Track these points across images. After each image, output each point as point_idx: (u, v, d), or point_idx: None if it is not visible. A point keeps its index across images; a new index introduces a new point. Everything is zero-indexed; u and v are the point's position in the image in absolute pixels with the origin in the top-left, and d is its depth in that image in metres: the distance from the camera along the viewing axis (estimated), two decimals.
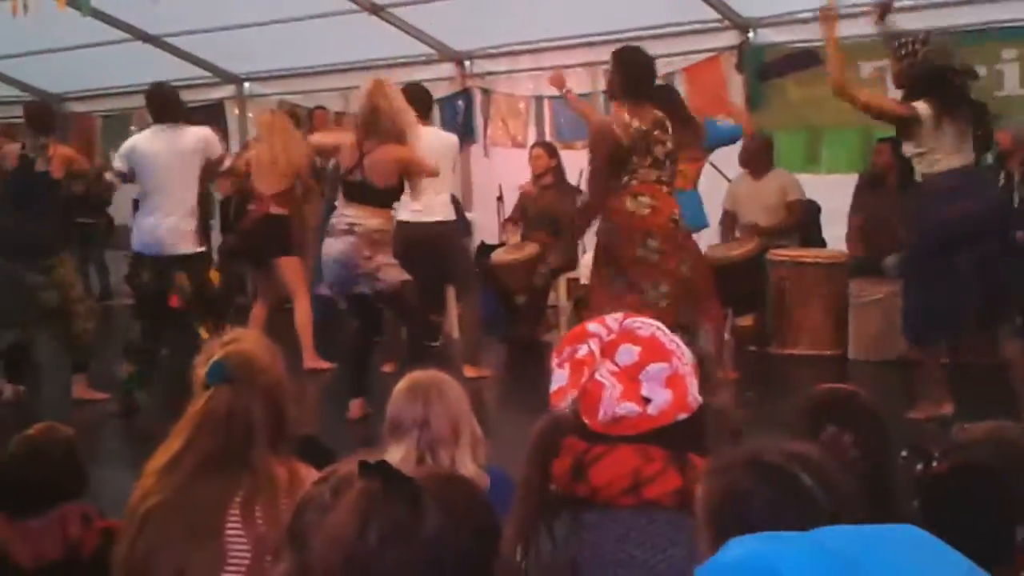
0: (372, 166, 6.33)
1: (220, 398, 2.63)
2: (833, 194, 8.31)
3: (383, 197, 6.43)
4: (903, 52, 6.14)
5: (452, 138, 7.95)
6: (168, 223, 6.97)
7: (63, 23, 9.10)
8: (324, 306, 8.28)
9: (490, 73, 10.61)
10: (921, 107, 5.85)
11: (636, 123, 5.94)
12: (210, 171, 7.44)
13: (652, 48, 9.43)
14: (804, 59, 8.77)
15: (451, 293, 9.27)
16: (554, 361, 2.09)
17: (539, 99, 10.22)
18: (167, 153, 7.02)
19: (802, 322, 7.96)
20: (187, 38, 10.94)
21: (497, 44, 10.32)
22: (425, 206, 7.12)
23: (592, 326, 2.08)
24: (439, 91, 10.82)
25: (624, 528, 1.97)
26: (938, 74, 5.95)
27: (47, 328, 7.52)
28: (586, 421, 2.02)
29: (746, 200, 8.32)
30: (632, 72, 6.22)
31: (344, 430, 6.07)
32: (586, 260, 8.52)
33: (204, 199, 8.33)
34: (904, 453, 2.42)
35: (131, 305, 7.80)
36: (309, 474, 2.61)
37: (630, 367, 2.01)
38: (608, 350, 2.03)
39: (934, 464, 2.20)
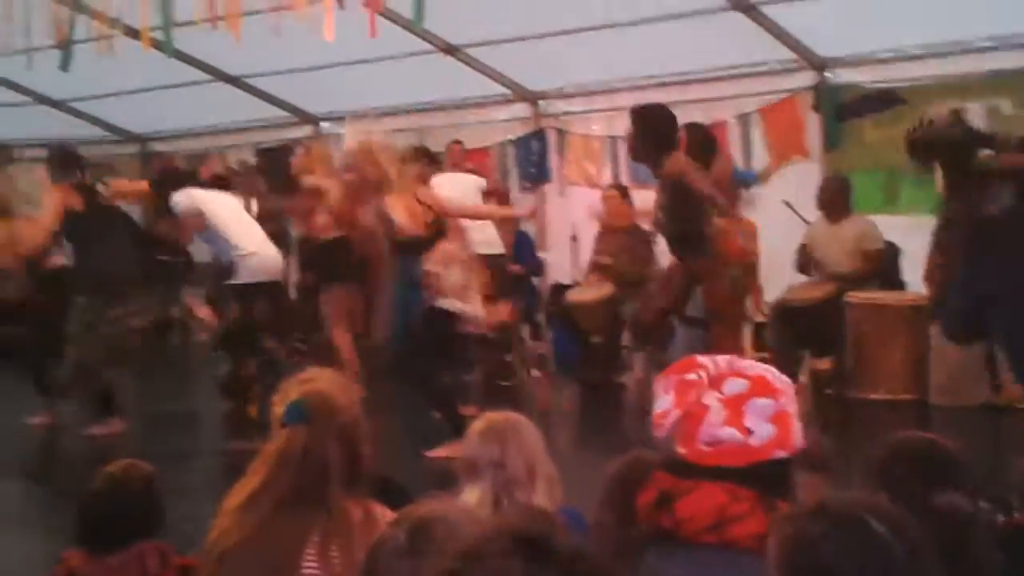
0: None
1: (297, 438, 2.64)
2: (913, 235, 8.18)
3: None
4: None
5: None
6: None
7: (146, 64, 9.28)
8: None
9: (565, 113, 10.63)
10: None
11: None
12: None
13: (727, 89, 9.55)
14: (882, 99, 8.68)
15: (526, 334, 9.30)
16: (659, 387, 2.08)
17: (613, 139, 10.21)
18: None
19: (881, 366, 7.81)
20: (266, 79, 11.12)
21: (572, 84, 10.35)
22: None
23: (701, 359, 2.08)
24: (514, 131, 10.91)
25: (704, 569, 1.95)
26: None
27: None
28: (682, 450, 2.01)
29: (823, 244, 8.20)
30: (660, 128, 6.65)
31: (417, 469, 6.08)
32: None
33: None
34: (984, 504, 2.37)
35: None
36: (384, 514, 2.62)
37: (736, 397, 2.01)
38: (715, 381, 2.03)
39: (1015, 515, 2.15)
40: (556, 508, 2.92)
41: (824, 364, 8.14)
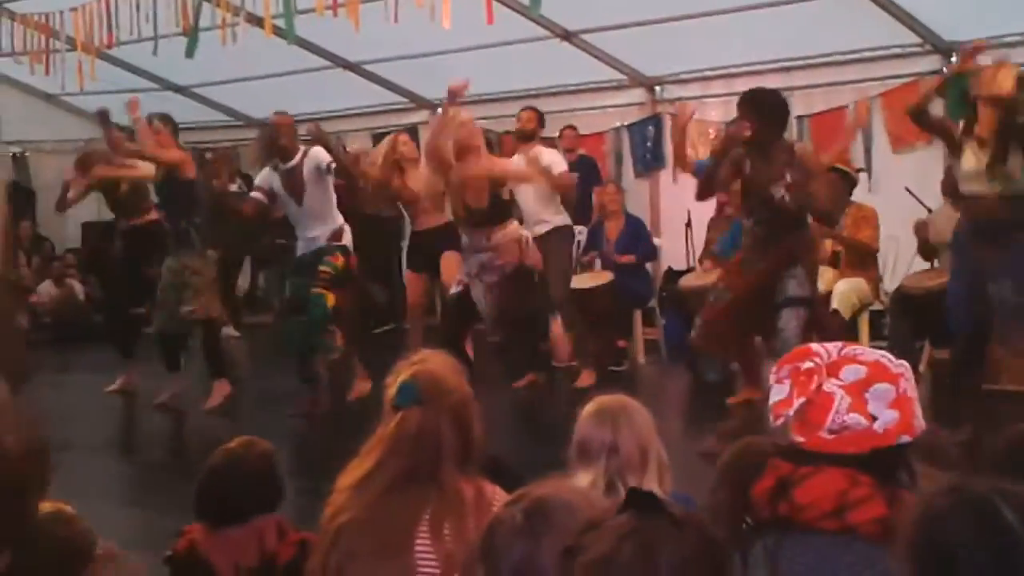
0: None
1: (411, 419, 2.69)
2: None
3: None
4: None
5: None
6: None
7: (268, 51, 9.45)
8: None
9: (680, 99, 10.55)
10: None
11: None
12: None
13: (847, 73, 9.38)
14: None
15: (638, 319, 9.27)
16: (772, 377, 2.07)
17: (730, 125, 10.10)
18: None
19: (1006, 356, 7.61)
20: (384, 65, 11.24)
21: (688, 70, 10.26)
22: None
23: (814, 347, 2.07)
24: (629, 116, 10.86)
25: (819, 556, 1.93)
26: None
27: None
28: (799, 438, 1.99)
29: (946, 231, 7.99)
30: (778, 114, 6.67)
31: (527, 451, 6.12)
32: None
33: None
34: None
35: None
36: (495, 493, 2.67)
37: (857, 383, 1.99)
38: (833, 368, 2.01)
39: None
40: (667, 493, 2.91)
41: (944, 354, 7.95)
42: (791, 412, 2.01)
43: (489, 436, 2.80)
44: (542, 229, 8.23)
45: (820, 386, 2.00)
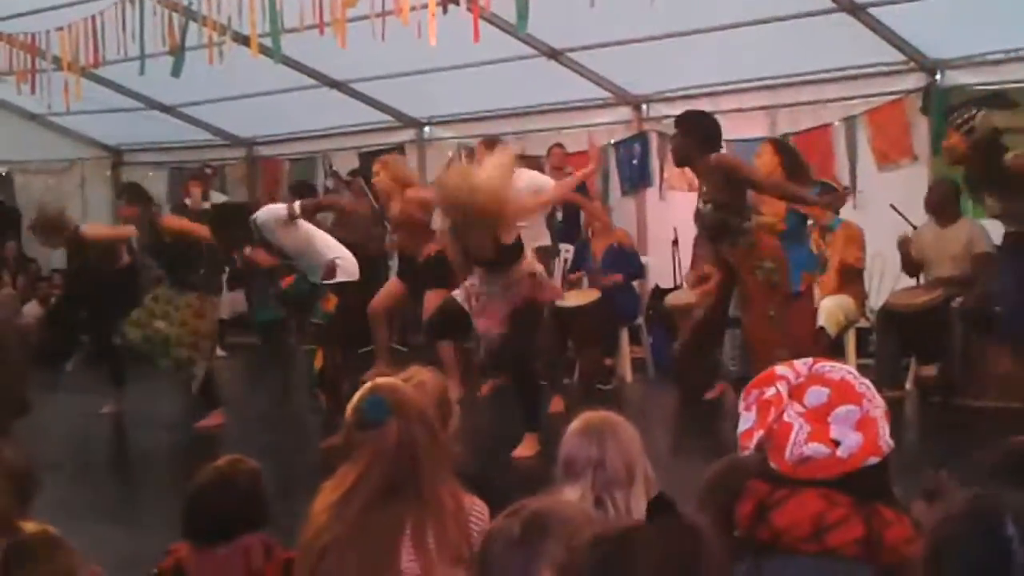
0: None
1: (388, 431, 2.73)
2: None
3: None
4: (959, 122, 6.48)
5: None
6: None
7: (254, 69, 9.45)
8: None
9: (667, 117, 10.56)
10: None
11: None
12: None
13: (833, 91, 9.43)
14: (993, 102, 8.46)
15: (624, 337, 9.26)
16: (741, 404, 2.07)
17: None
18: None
19: (991, 372, 7.63)
20: (370, 83, 11.25)
21: (675, 88, 10.29)
22: None
23: (780, 369, 2.06)
24: (616, 135, 10.89)
25: None
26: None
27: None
28: (773, 464, 1.99)
29: (932, 248, 8.02)
30: (705, 133, 7.10)
31: (514, 469, 6.12)
32: None
33: None
34: None
35: None
36: (473, 503, 2.74)
37: (819, 408, 1.98)
38: (797, 392, 2.01)
39: None
40: None
41: (930, 371, 7.98)
42: (752, 444, 2.01)
43: (474, 453, 2.81)
44: None
45: (780, 415, 1.99)
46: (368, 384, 2.86)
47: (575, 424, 2.99)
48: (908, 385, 8.02)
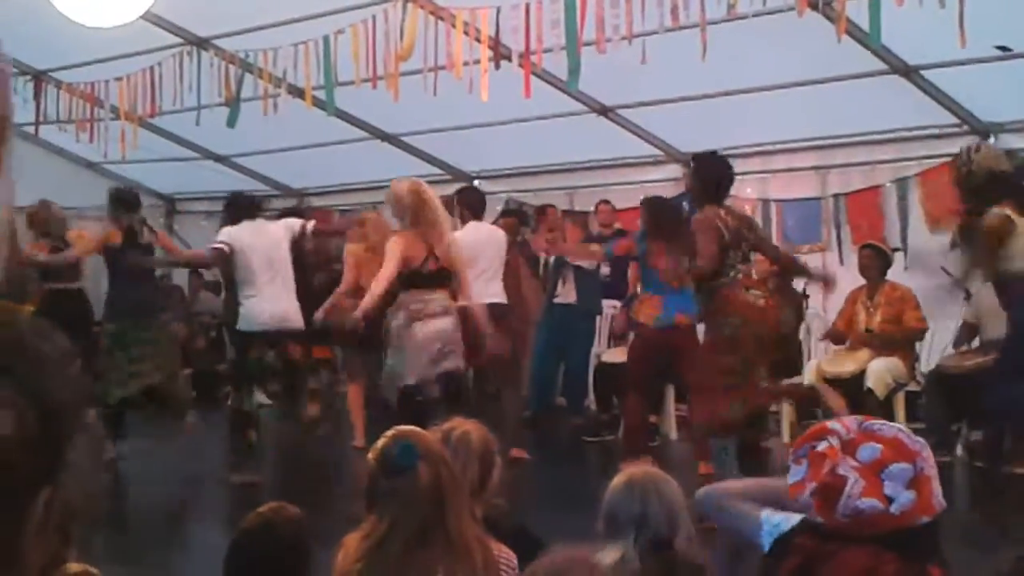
0: (445, 254, 6.92)
1: (422, 476, 2.75)
2: None
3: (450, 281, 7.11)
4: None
5: (499, 233, 8.54)
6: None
7: (307, 122, 9.57)
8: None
9: None
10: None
11: (730, 220, 6.51)
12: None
13: (884, 152, 9.38)
14: None
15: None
16: (790, 456, 2.05)
17: (766, 202, 10.12)
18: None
19: None
20: (422, 137, 11.34)
21: (724, 147, 10.26)
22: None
23: (832, 424, 2.05)
24: (665, 191, 10.88)
25: None
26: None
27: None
28: (821, 518, 1.96)
29: (989, 312, 7.91)
30: (712, 177, 6.76)
31: (555, 522, 6.07)
32: (811, 365, 8.35)
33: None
34: None
35: None
36: (500, 549, 2.81)
37: (872, 464, 1.96)
38: (849, 447, 1.98)
39: None
40: None
41: (977, 436, 7.86)
42: (806, 495, 1.99)
43: (517, 504, 2.81)
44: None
45: (834, 468, 1.97)
46: (390, 432, 2.88)
47: (618, 479, 2.98)
48: (959, 451, 7.89)
